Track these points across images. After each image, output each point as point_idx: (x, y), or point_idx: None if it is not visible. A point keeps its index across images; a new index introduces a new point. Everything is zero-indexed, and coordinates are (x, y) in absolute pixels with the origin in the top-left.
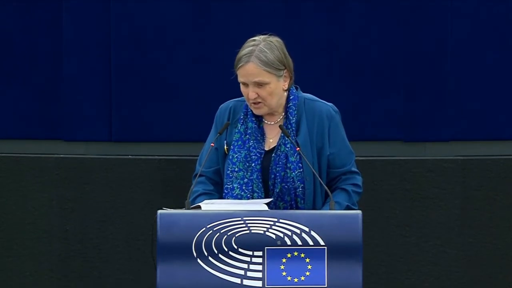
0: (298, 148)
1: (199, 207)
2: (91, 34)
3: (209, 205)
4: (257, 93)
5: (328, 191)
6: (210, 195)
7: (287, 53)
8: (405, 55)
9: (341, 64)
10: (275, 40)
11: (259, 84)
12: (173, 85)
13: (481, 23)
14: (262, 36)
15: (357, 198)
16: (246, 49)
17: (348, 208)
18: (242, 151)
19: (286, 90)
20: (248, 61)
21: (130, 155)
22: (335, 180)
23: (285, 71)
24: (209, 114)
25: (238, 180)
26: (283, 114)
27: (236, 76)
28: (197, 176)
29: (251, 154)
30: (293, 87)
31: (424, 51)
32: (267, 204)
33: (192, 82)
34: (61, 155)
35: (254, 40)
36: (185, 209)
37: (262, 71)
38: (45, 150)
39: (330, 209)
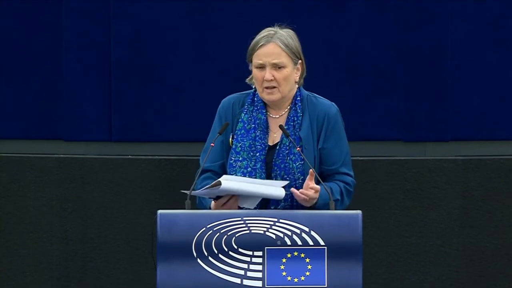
0: (298, 148)
1: (220, 182)
2: (91, 34)
3: (229, 181)
4: (273, 76)
5: (328, 190)
6: None
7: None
8: (405, 55)
9: (341, 64)
10: (291, 31)
11: (277, 67)
12: (173, 85)
13: (481, 23)
14: (277, 27)
15: (347, 197)
16: (264, 33)
17: (334, 195)
18: (246, 141)
19: (296, 83)
20: (270, 41)
21: (130, 155)
22: (326, 179)
23: (299, 62)
24: (209, 114)
25: (242, 169)
26: (288, 108)
27: (249, 64)
28: (201, 171)
29: (256, 144)
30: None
31: (424, 51)
32: (284, 187)
33: (192, 82)
34: (61, 155)
35: (271, 28)
36: (185, 209)
37: (283, 52)
38: (45, 150)
39: (330, 209)
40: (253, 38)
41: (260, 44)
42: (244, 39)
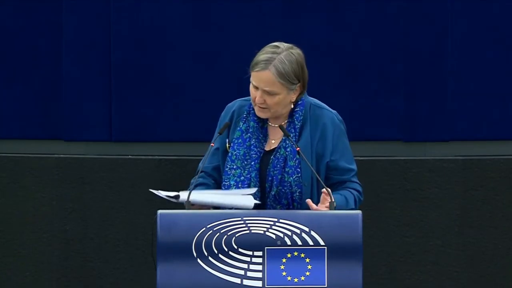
0: (298, 148)
1: (178, 196)
2: (91, 34)
3: (197, 194)
4: (264, 100)
5: (328, 190)
6: (207, 186)
7: (305, 67)
8: (405, 55)
9: (341, 64)
10: (297, 52)
11: (269, 93)
12: (173, 85)
13: (481, 23)
14: (286, 45)
15: (358, 205)
16: (266, 54)
17: (349, 205)
18: (241, 149)
19: (293, 102)
20: (266, 68)
21: (130, 155)
22: (337, 184)
23: (298, 85)
24: (209, 113)
25: (235, 178)
26: (288, 118)
27: (248, 75)
28: (198, 172)
29: (251, 152)
30: None
31: (424, 51)
32: (254, 195)
33: (192, 82)
34: (61, 155)
35: (278, 47)
36: (185, 209)
37: (277, 82)
38: (45, 150)
39: (330, 209)
40: (258, 51)
41: (256, 70)
42: (244, 39)
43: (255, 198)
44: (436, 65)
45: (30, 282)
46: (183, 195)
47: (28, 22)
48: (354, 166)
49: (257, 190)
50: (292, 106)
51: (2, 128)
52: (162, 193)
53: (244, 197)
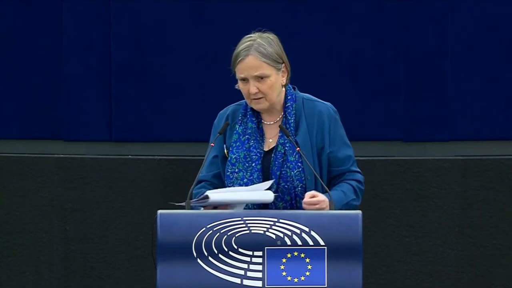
0: (298, 148)
1: (207, 196)
2: (91, 33)
3: (216, 194)
4: (257, 88)
5: (328, 190)
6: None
7: (282, 48)
8: (405, 55)
9: (341, 64)
10: (272, 35)
11: (260, 78)
12: (173, 85)
13: (481, 23)
14: (257, 33)
15: (360, 195)
16: (243, 44)
17: (350, 202)
18: (241, 152)
19: (283, 86)
20: (248, 54)
21: (130, 155)
22: (337, 177)
23: (283, 65)
24: (209, 114)
25: (239, 181)
26: (282, 113)
27: (234, 74)
28: (197, 182)
29: (251, 154)
30: (291, 86)
31: (424, 51)
32: (269, 188)
33: (192, 82)
34: (61, 155)
35: (250, 36)
36: (185, 209)
37: (263, 63)
38: (45, 150)
39: (330, 209)
40: (235, 48)
41: (240, 59)
42: None
43: (272, 191)
44: (436, 65)
45: (30, 282)
46: (212, 196)
47: (28, 22)
48: (351, 154)
49: (273, 183)
50: (284, 91)
51: (2, 128)
52: (192, 202)
53: (263, 192)
